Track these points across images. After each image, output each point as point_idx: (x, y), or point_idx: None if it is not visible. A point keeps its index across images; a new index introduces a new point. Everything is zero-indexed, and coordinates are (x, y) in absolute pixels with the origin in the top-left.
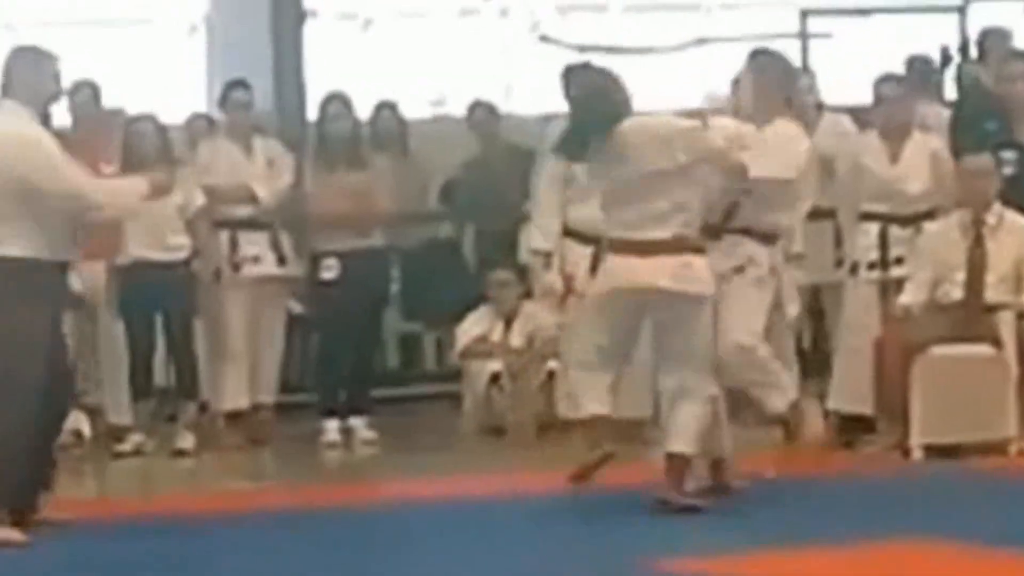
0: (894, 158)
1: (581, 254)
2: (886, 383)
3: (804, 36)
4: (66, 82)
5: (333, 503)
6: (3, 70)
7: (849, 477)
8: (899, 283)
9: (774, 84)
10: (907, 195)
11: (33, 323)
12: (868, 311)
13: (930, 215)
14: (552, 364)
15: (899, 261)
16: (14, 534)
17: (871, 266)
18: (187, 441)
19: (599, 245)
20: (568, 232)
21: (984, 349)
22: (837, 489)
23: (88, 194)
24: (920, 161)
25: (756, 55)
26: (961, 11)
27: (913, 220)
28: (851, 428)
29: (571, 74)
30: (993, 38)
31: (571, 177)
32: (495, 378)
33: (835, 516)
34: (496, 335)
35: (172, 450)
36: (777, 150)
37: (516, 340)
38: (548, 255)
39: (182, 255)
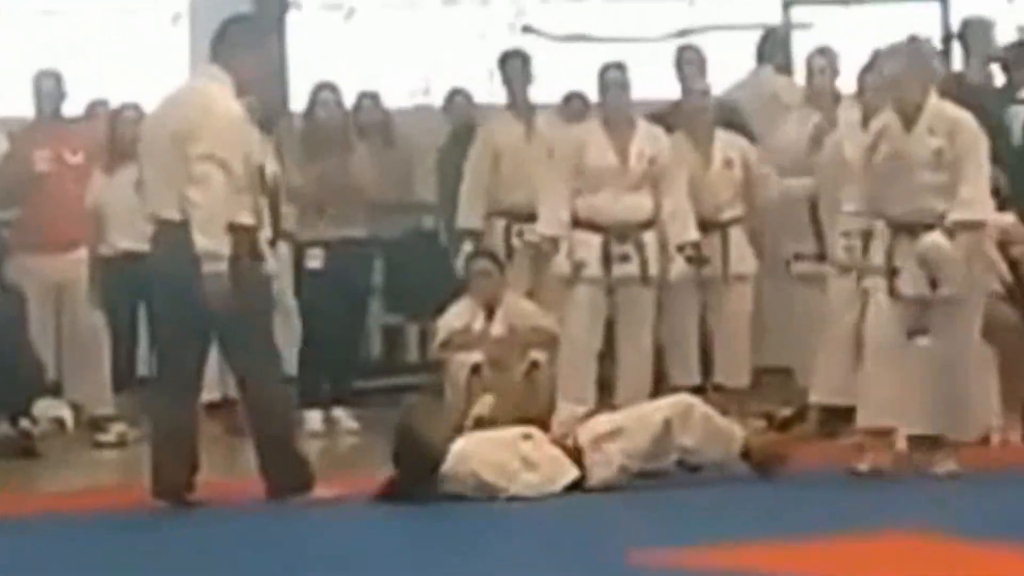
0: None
1: (591, 242)
2: None
3: (786, 27)
4: (31, 72)
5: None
6: (217, 35)
7: (831, 468)
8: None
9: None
10: None
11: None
12: (848, 302)
13: None
14: (535, 355)
15: None
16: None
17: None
18: None
19: (608, 233)
20: (577, 221)
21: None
22: (819, 480)
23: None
24: None
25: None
26: (944, 1)
27: None
28: (833, 420)
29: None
30: (974, 29)
31: (580, 166)
32: (476, 369)
33: (817, 507)
34: (478, 325)
35: None
36: None
37: (498, 330)
38: (555, 241)
39: None
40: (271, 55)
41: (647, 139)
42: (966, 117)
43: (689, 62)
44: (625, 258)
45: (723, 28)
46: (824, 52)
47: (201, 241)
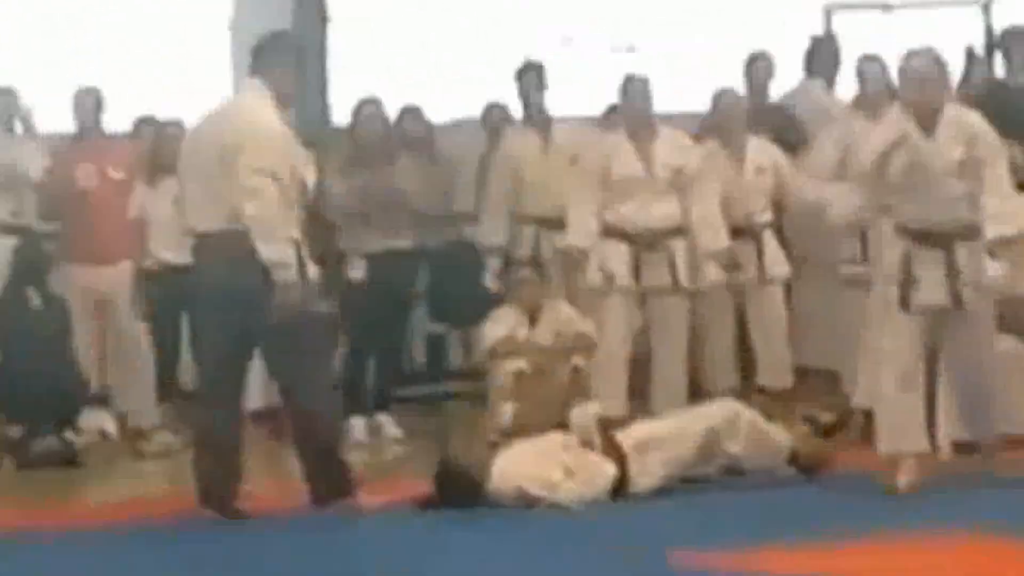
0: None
1: (620, 252)
2: None
3: (831, 36)
4: (72, 89)
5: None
6: (255, 50)
7: (875, 472)
8: None
9: None
10: None
11: None
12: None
13: None
14: (576, 360)
15: None
16: None
17: None
18: None
19: (636, 243)
20: (607, 231)
21: (1008, 342)
22: (863, 483)
23: (247, 203)
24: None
25: None
26: (985, 7)
27: None
28: None
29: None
30: (1015, 38)
31: (607, 176)
32: (519, 375)
33: (860, 510)
34: (522, 333)
35: None
36: None
37: (542, 337)
38: (585, 252)
39: None
40: (308, 69)
41: (672, 147)
42: (984, 123)
43: (759, 70)
44: (655, 267)
45: (764, 37)
46: (874, 59)
47: (267, 251)
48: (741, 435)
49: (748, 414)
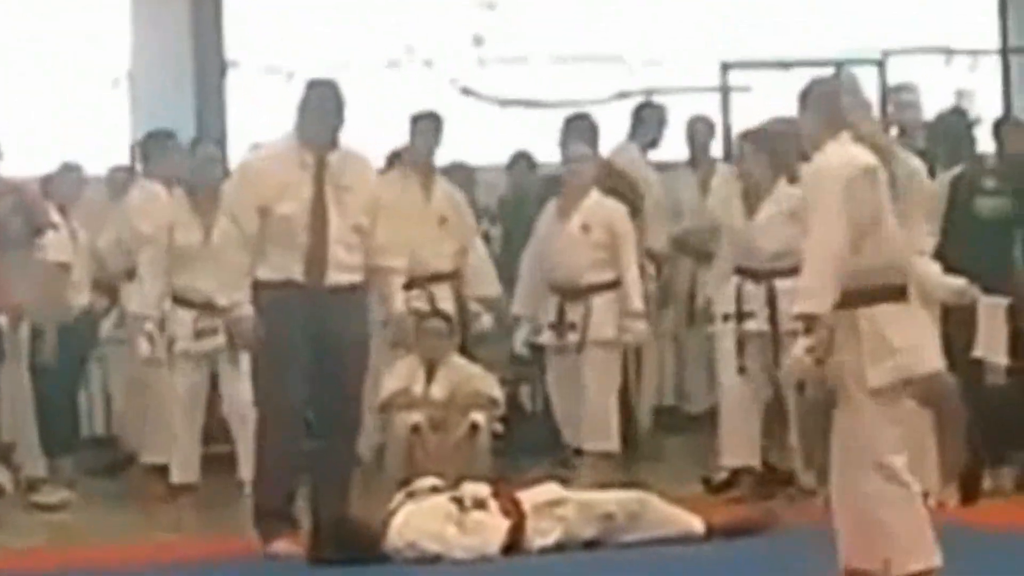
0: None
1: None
2: (807, 435)
3: (724, 89)
4: None
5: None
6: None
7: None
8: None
9: None
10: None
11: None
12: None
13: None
14: (475, 416)
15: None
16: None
17: (726, 318)
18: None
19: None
20: None
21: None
22: (755, 543)
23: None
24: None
25: None
26: (880, 64)
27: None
28: (768, 480)
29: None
30: (900, 93)
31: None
32: (415, 429)
33: (753, 570)
34: (418, 387)
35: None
36: None
37: (437, 392)
38: None
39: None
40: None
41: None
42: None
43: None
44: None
45: (662, 92)
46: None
47: (219, 293)
48: (647, 525)
49: (656, 505)
